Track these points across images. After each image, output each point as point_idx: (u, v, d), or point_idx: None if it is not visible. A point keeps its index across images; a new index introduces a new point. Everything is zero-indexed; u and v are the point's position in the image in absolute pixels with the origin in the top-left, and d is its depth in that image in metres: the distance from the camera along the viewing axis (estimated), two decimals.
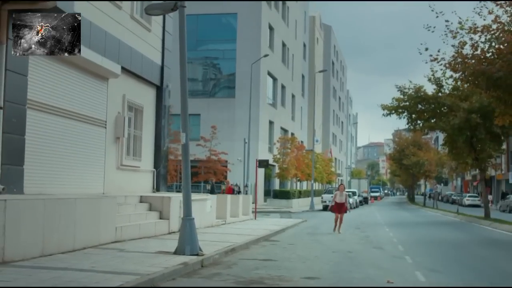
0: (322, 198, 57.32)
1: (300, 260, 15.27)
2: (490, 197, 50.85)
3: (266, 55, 55.31)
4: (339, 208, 25.67)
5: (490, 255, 17.65)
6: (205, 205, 25.07)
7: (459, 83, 30.20)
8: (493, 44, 24.07)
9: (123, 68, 21.17)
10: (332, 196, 55.74)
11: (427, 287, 9.53)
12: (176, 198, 22.02)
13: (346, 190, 68.46)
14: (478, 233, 27.17)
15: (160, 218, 20.66)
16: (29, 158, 15.68)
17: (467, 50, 25.27)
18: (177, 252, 14.31)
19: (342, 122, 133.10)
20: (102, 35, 19.69)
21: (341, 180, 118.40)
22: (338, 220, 25.62)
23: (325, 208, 54.45)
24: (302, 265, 14.08)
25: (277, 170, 60.73)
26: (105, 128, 20.61)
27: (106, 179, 20.92)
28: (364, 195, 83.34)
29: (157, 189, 25.50)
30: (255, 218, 33.95)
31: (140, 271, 11.22)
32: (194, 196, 27.33)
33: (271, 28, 63.45)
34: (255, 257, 15.65)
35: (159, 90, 25.77)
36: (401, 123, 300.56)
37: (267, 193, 59.93)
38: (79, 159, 18.83)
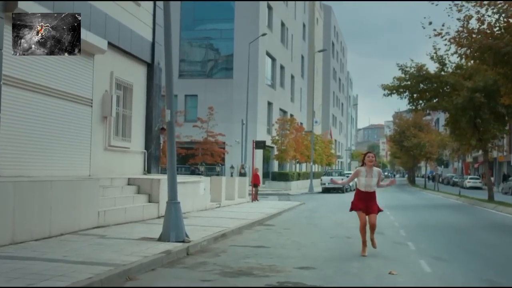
0: (321, 180, 56.36)
1: (295, 246, 14.22)
2: (491, 179, 49.89)
3: (264, 34, 54.08)
4: (366, 202, 12.92)
5: (497, 241, 16.55)
6: (198, 188, 24.05)
7: (463, 60, 29.01)
8: (501, 17, 22.84)
9: (110, 44, 20.05)
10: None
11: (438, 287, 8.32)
12: (166, 180, 20.96)
13: (346, 172, 67.70)
14: (483, 216, 26.08)
15: (149, 202, 19.63)
16: (5, 138, 14.62)
17: (473, 24, 24.08)
18: (161, 238, 13.25)
19: (342, 104, 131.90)
20: (87, 8, 18.55)
21: (341, 162, 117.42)
22: (368, 226, 12.99)
23: (324, 191, 53.71)
24: (296, 253, 13.02)
25: (275, 152, 59.75)
26: (91, 107, 19.53)
27: (92, 160, 19.87)
28: None
29: (148, 171, 24.46)
30: (252, 201, 32.97)
31: (116, 261, 10.15)
32: (187, 178, 26.49)
33: (269, 8, 62.16)
34: (247, 244, 14.60)
35: (150, 67, 24.68)
36: (402, 104, 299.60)
37: (265, 175, 58.91)
38: (63, 139, 17.77)
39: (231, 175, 33.15)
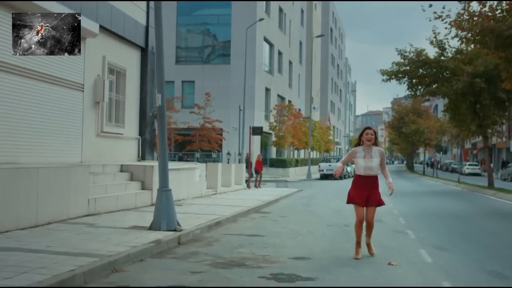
0: (319, 167, 55.88)
1: (291, 235, 13.76)
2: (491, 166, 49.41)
3: (261, 19, 53.39)
4: (366, 191, 10.83)
5: (499, 229, 16.08)
6: (193, 174, 23.58)
7: (463, 45, 28.43)
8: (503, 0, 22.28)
9: (102, 28, 19.52)
10: (331, 164, 54.69)
11: (448, 287, 7.79)
12: None
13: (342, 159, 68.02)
14: (483, 203, 25.61)
15: (142, 189, 19.18)
16: None
17: (474, 7, 23.52)
18: (152, 227, 12.79)
19: (340, 90, 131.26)
20: None
21: (339, 149, 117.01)
22: (365, 222, 11.03)
23: (322, 177, 53.28)
24: (292, 242, 12.56)
25: (273, 138, 59.29)
26: (83, 91, 19.01)
27: (84, 147, 19.37)
28: None
29: (142, 157, 23.97)
30: (249, 188, 32.54)
31: (103, 252, 9.69)
32: (181, 164, 26.01)
33: None
34: (241, 232, 14.14)
35: (144, 52, 24.13)
36: (401, 90, 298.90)
37: (263, 162, 58.28)
38: (53, 125, 17.27)
39: (228, 162, 32.64)
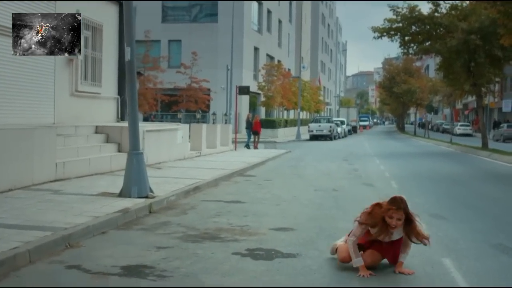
0: (309, 127, 54.78)
1: (274, 201, 12.68)
2: None
3: None
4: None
5: (500, 194, 14.96)
6: (175, 136, 22.41)
7: (458, 0, 27.18)
8: None
9: None
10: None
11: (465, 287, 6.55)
12: (139, 127, 19.33)
13: (334, 119, 66.21)
14: (478, 165, 24.55)
15: (119, 151, 18.04)
16: None
17: None
18: (122, 194, 11.67)
19: (331, 50, 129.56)
20: None
21: (330, 109, 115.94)
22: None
23: (312, 138, 52.30)
24: (275, 209, 11.48)
25: (262, 99, 58.01)
26: None
27: (57, 107, 18.24)
28: (353, 124, 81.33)
29: (121, 118, 22.74)
30: (235, 149, 31.43)
31: (59, 224, 8.57)
32: (162, 125, 24.83)
33: None
34: (221, 198, 13.05)
35: (122, 7, 22.69)
36: (392, 49, 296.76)
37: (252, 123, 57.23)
38: (21, 84, 16.15)
39: (213, 122, 31.50)
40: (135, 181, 11.63)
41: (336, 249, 7.28)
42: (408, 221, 6.74)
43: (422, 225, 7.06)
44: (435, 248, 7.99)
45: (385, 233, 6.76)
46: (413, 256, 7.15)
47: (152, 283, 6.20)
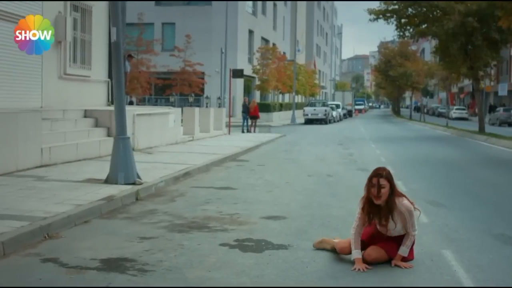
0: (304, 111, 54.31)
1: (266, 187, 12.26)
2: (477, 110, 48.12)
3: None
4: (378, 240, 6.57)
5: (500, 180, 14.50)
6: (167, 120, 21.95)
7: None
8: None
9: None
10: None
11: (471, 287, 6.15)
12: (129, 111, 18.78)
13: (330, 103, 65.70)
14: (476, 150, 24.13)
15: (108, 136, 17.52)
16: None
17: None
18: (108, 181, 11.22)
19: (326, 33, 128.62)
20: None
21: (325, 93, 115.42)
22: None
23: (307, 122, 51.85)
24: (267, 196, 11.05)
25: (257, 82, 57.47)
26: None
27: (44, 91, 17.81)
28: (348, 108, 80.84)
29: (112, 102, 22.19)
30: (229, 133, 30.99)
31: (38, 212, 8.14)
32: (154, 109, 24.36)
33: None
34: (212, 184, 12.62)
35: None
36: (388, 32, 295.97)
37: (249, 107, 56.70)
38: (7, 67, 15.73)
39: (206, 106, 31.02)
40: (121, 167, 11.19)
41: (321, 242, 6.99)
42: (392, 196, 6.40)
43: (417, 208, 6.65)
44: (435, 238, 7.62)
45: (378, 214, 6.42)
46: None
47: (131, 279, 5.77)
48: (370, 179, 6.42)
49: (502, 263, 6.49)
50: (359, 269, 6.10)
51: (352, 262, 6.25)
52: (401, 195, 6.52)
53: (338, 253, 6.58)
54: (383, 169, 6.47)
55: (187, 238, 7.46)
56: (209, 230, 7.96)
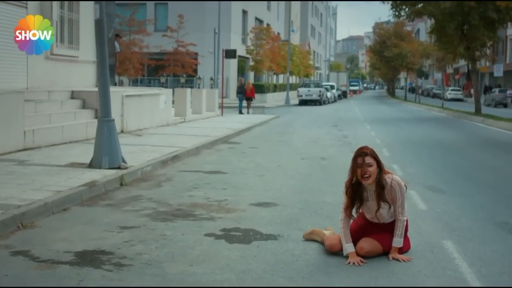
0: (298, 92, 53.75)
1: (257, 171, 11.80)
2: (472, 91, 47.65)
3: None
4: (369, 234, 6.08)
5: (499, 163, 14.07)
6: (157, 101, 21.43)
7: None
8: None
9: None
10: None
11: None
12: (117, 92, 18.38)
13: (324, 83, 65.18)
14: (473, 131, 23.68)
15: (96, 118, 16.93)
16: None
17: None
18: (92, 165, 10.72)
19: (321, 14, 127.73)
20: None
21: (320, 73, 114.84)
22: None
23: (301, 103, 51.33)
24: (257, 181, 10.59)
25: (251, 63, 56.85)
26: (26, 8, 16.75)
27: (30, 71, 17.23)
28: (343, 88, 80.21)
29: None
30: (222, 115, 30.48)
31: (13, 200, 7.66)
32: (144, 90, 23.83)
33: None
34: (201, 168, 12.15)
35: None
36: (383, 13, 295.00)
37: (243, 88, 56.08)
38: None
39: (198, 87, 30.47)
40: (106, 150, 10.68)
41: (310, 233, 6.53)
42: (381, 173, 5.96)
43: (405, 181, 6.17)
44: (434, 227, 7.16)
45: (370, 191, 5.97)
46: (411, 238, 6.24)
47: (106, 275, 5.28)
48: (354, 160, 5.99)
49: (507, 255, 6.00)
50: (353, 263, 5.64)
51: (346, 256, 5.79)
52: (389, 172, 6.08)
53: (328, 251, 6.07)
54: (366, 147, 6.06)
55: (171, 228, 6.99)
56: (194, 219, 7.50)
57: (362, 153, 5.95)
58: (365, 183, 5.92)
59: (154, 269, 5.43)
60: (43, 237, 6.50)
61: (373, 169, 5.88)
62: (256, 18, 63.56)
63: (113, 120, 11.08)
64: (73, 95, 17.35)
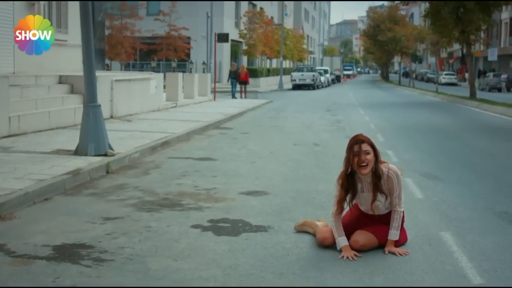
0: (291, 76, 53.35)
1: (249, 158, 11.49)
2: (466, 75, 47.37)
3: None
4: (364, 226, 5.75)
5: (497, 149, 13.77)
6: (148, 86, 21.08)
7: None
8: None
9: None
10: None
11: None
12: (106, 77, 18.04)
13: (318, 68, 64.72)
14: (468, 116, 23.37)
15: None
16: None
17: None
18: (77, 152, 10.38)
19: None
20: None
21: (313, 58, 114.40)
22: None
23: (295, 87, 50.97)
24: (248, 168, 10.28)
25: (244, 47, 56.41)
26: None
27: (17, 56, 16.83)
28: (337, 73, 79.89)
29: None
30: (215, 100, 30.11)
31: None
32: (134, 74, 23.46)
33: None
34: (191, 155, 11.83)
35: None
36: None
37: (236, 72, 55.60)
38: None
39: (190, 71, 30.16)
40: (92, 137, 10.35)
41: (302, 224, 6.21)
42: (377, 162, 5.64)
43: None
44: (432, 217, 6.87)
45: (366, 181, 5.65)
46: (407, 229, 5.94)
47: (84, 271, 4.97)
48: (350, 148, 5.62)
49: (509, 248, 5.69)
50: (347, 258, 5.33)
51: (340, 249, 5.49)
52: (384, 161, 5.78)
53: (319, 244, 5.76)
54: (362, 135, 5.76)
55: (156, 219, 6.68)
56: (181, 209, 7.18)
57: (358, 140, 5.62)
58: (363, 172, 5.57)
59: (136, 265, 5.12)
60: (21, 230, 6.17)
61: (370, 157, 5.56)
62: (249, 2, 63.07)
63: (99, 105, 10.73)
64: (61, 79, 16.98)
